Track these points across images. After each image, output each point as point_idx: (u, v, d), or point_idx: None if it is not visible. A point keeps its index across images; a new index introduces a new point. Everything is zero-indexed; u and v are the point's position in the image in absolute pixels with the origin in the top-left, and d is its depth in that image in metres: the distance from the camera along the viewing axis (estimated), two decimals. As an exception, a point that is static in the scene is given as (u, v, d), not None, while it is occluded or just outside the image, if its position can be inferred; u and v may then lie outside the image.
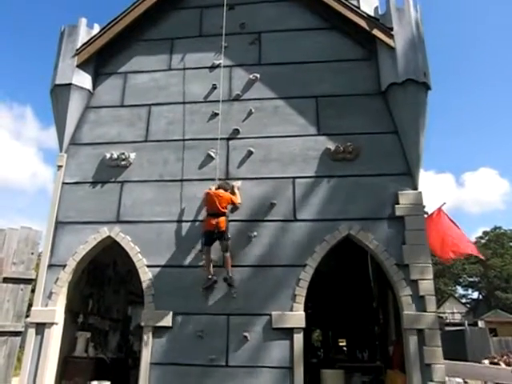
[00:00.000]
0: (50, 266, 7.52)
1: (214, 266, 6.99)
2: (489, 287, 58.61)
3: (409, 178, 7.22)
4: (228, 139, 7.84)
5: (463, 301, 61.21)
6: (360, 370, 9.57)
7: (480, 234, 65.26)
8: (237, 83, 8.18)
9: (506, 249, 59.73)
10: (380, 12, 8.11)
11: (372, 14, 8.11)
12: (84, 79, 8.45)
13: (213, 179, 7.49)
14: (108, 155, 7.98)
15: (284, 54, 8.23)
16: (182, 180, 7.72)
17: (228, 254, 6.92)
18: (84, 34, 8.69)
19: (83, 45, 8.56)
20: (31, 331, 7.19)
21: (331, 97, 7.85)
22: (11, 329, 6.90)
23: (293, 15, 8.45)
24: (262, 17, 8.54)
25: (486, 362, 17.37)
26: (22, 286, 7.14)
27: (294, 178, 7.47)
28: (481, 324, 31.94)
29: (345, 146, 7.44)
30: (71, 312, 7.95)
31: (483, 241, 62.32)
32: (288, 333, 6.69)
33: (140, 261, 7.33)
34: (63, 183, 7.99)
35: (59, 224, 7.75)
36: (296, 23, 8.40)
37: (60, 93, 8.30)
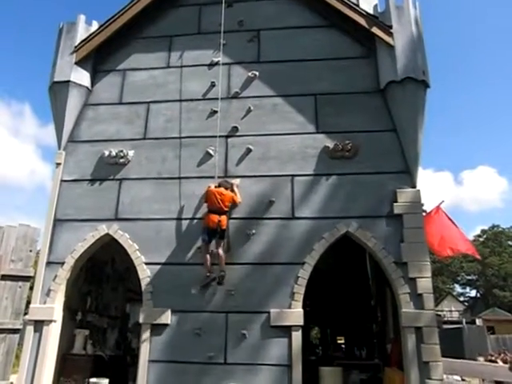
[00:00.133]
0: (49, 263, 7.51)
1: (212, 264, 6.99)
2: (487, 285, 58.77)
3: (407, 175, 7.23)
4: (227, 137, 7.83)
5: (461, 299, 61.36)
6: (358, 368, 9.59)
7: (478, 232, 65.52)
8: (235, 81, 8.17)
9: (503, 247, 59.88)
10: (379, 10, 8.09)
11: (371, 11, 8.10)
12: (82, 76, 8.43)
13: (211, 177, 7.48)
14: (106, 153, 7.97)
15: (283, 51, 8.22)
16: (180, 178, 7.72)
17: (224, 253, 6.96)
18: (82, 31, 8.66)
19: (82, 42, 8.54)
20: (29, 328, 7.18)
21: (330, 95, 7.84)
22: (9, 326, 6.92)
23: (292, 13, 8.43)
24: (260, 14, 8.52)
25: (481, 359, 17.40)
26: (20, 283, 7.16)
27: (293, 175, 7.47)
28: (478, 322, 32.01)
29: (343, 144, 7.43)
30: (69, 309, 7.95)
31: (481, 239, 62.49)
32: (286, 330, 6.70)
33: (138, 258, 7.33)
34: (61, 181, 7.98)
35: (57, 221, 7.74)
36: (295, 21, 8.39)
37: (58, 90, 8.28)
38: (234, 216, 7.30)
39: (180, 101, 8.20)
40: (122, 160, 7.90)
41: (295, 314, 6.75)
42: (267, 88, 8.03)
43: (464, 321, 30.88)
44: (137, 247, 7.39)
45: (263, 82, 8.07)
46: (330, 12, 8.15)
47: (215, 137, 7.70)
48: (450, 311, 47.27)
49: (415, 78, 7.36)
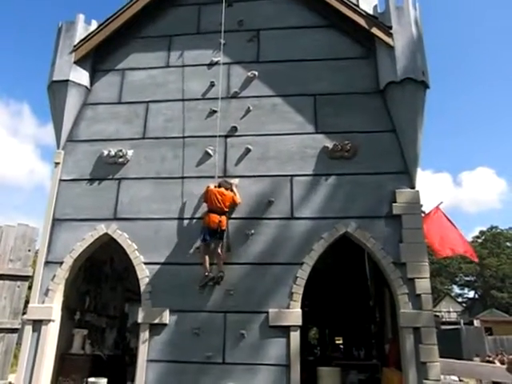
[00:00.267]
0: (47, 263, 7.50)
1: (210, 264, 7.00)
2: (485, 286, 58.86)
3: (406, 176, 7.23)
4: (226, 137, 7.83)
5: (459, 300, 61.44)
6: (356, 368, 9.61)
7: (477, 233, 65.63)
8: (235, 81, 8.17)
9: (502, 248, 60.00)
10: (379, 10, 8.09)
11: (371, 12, 8.10)
12: (81, 76, 8.42)
13: (210, 177, 7.48)
14: (105, 152, 7.96)
15: (282, 51, 8.22)
16: (179, 177, 7.71)
17: (227, 253, 6.96)
18: (82, 30, 8.65)
19: (81, 41, 8.52)
20: (28, 328, 7.17)
21: (329, 95, 7.85)
22: (8, 326, 6.92)
23: (291, 13, 8.43)
24: (260, 14, 8.52)
25: (478, 359, 17.44)
26: (18, 282, 7.16)
27: (292, 176, 7.47)
28: (476, 323, 32.03)
29: (343, 145, 7.44)
30: (68, 309, 7.94)
31: (480, 240, 62.62)
32: (285, 330, 6.70)
33: (137, 258, 7.32)
34: (60, 180, 7.97)
35: (56, 221, 7.73)
36: (294, 21, 8.39)
37: (57, 89, 8.27)
38: (233, 216, 7.30)
39: (179, 100, 8.19)
40: (120, 159, 7.89)
41: (294, 314, 6.75)
42: (266, 88, 8.03)
43: (462, 322, 30.97)
44: (136, 247, 7.38)
45: (262, 82, 8.07)
46: (330, 12, 8.15)
47: (214, 137, 7.70)
48: (448, 312, 47.30)
49: (415, 79, 7.36)
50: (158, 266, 7.25)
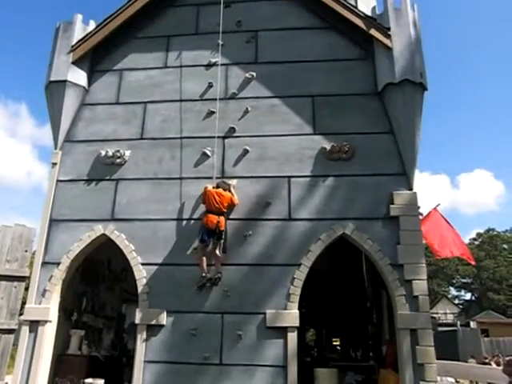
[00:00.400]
0: (44, 263, 7.48)
1: (208, 265, 6.99)
2: (481, 288, 58.98)
3: (404, 178, 7.24)
4: (224, 137, 7.83)
5: (456, 302, 61.57)
6: (353, 369, 9.59)
7: (474, 235, 65.80)
8: (233, 81, 8.17)
9: (499, 250, 60.14)
10: (377, 12, 8.11)
11: (369, 13, 8.12)
12: (79, 76, 8.40)
13: (208, 178, 7.48)
14: (103, 153, 7.94)
15: (280, 52, 8.22)
16: (177, 178, 7.70)
17: (222, 254, 6.96)
18: (79, 30, 8.63)
19: (78, 41, 8.51)
20: (25, 329, 7.15)
21: (327, 96, 7.85)
22: (5, 326, 6.89)
23: (290, 14, 8.44)
24: (258, 15, 8.51)
25: (472, 360, 17.48)
26: (15, 283, 7.13)
27: (290, 177, 7.47)
28: (473, 325, 32.14)
29: (340, 146, 7.44)
30: (65, 310, 7.93)
31: (477, 242, 62.74)
32: (282, 332, 6.69)
33: (134, 259, 7.31)
34: (58, 180, 7.95)
35: (53, 221, 7.71)
36: (293, 22, 8.40)
37: (55, 89, 8.25)
38: (230, 217, 7.28)
39: (177, 101, 8.19)
40: (118, 160, 7.88)
41: (291, 316, 6.74)
42: (264, 89, 8.04)
43: (458, 323, 31.06)
44: (133, 248, 7.36)
45: (260, 83, 8.08)
46: (328, 13, 8.16)
47: (212, 137, 7.69)
48: (445, 314, 47.40)
49: (413, 81, 7.37)
50: (155, 267, 7.24)
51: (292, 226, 7.20)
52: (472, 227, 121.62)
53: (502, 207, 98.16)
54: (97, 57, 8.68)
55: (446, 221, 8.28)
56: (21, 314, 7.37)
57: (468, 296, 64.27)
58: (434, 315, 40.05)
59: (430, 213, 8.09)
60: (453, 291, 65.17)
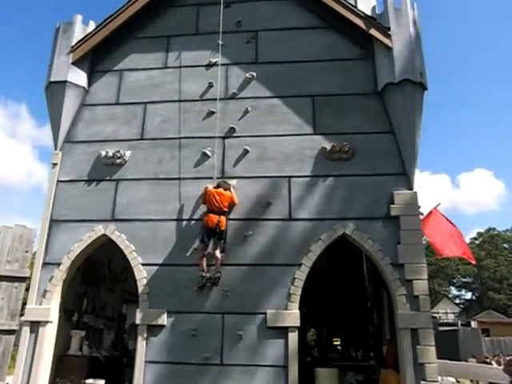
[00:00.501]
0: (45, 264, 7.49)
1: (208, 265, 7.00)
2: (482, 288, 58.98)
3: (404, 177, 7.24)
4: (224, 138, 7.83)
5: (457, 301, 61.55)
6: (354, 369, 9.59)
7: (474, 234, 65.79)
8: (233, 82, 8.17)
9: (499, 250, 60.16)
10: (377, 11, 8.11)
11: (369, 13, 8.12)
12: (79, 76, 8.40)
13: (208, 178, 7.49)
14: (103, 153, 7.94)
15: (280, 52, 8.22)
16: (177, 178, 7.70)
17: (221, 254, 6.97)
18: (79, 31, 8.64)
19: (78, 42, 8.51)
20: (25, 329, 7.16)
21: (327, 96, 7.85)
22: (5, 327, 6.89)
23: (290, 14, 8.44)
24: (258, 15, 8.51)
25: (473, 360, 17.46)
26: (16, 284, 7.13)
27: (290, 177, 7.47)
28: (473, 324, 32.10)
29: (341, 146, 7.44)
30: (66, 310, 7.93)
31: (477, 242, 62.73)
32: (283, 332, 6.69)
33: (135, 259, 7.31)
34: (58, 181, 7.96)
35: (54, 222, 7.71)
36: (293, 22, 8.39)
37: (55, 90, 8.25)
38: (230, 217, 7.28)
39: (177, 101, 8.19)
40: (118, 160, 7.88)
41: (292, 315, 6.74)
42: (265, 89, 8.04)
43: (459, 323, 31.03)
44: (133, 248, 7.37)
45: (261, 83, 8.07)
46: (328, 13, 8.16)
47: (212, 137, 7.70)
48: (446, 313, 47.35)
49: (413, 80, 7.37)
50: (155, 268, 7.24)
51: (292, 226, 7.20)
52: (472, 226, 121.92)
53: (502, 206, 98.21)
54: (97, 57, 8.68)
55: (448, 220, 8.27)
56: (21, 315, 7.36)
57: (469, 295, 64.36)
58: (435, 315, 39.99)
59: (430, 212, 8.07)
60: (453, 291, 65.28)
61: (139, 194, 7.68)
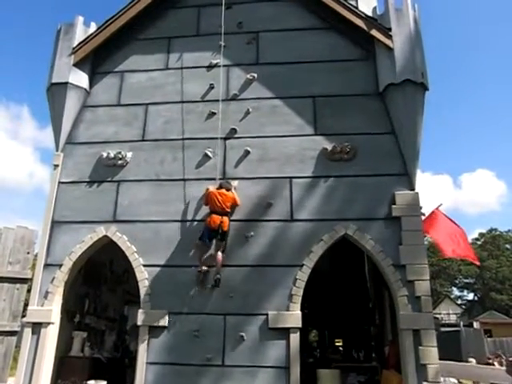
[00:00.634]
0: (46, 265, 7.49)
1: (208, 266, 7.00)
2: (484, 289, 58.88)
3: (406, 178, 7.23)
4: (225, 139, 7.83)
5: (459, 302, 61.49)
6: (356, 370, 9.59)
7: (476, 235, 65.70)
8: (234, 83, 8.17)
9: (501, 250, 60.07)
10: (378, 12, 8.10)
11: (370, 14, 8.11)
12: (80, 78, 8.41)
13: (210, 179, 7.49)
14: (105, 154, 7.95)
15: (281, 53, 8.22)
16: (178, 179, 7.70)
17: (222, 255, 6.97)
18: (81, 32, 8.64)
19: (80, 43, 8.52)
20: (27, 331, 7.16)
21: (329, 97, 7.85)
22: (7, 328, 6.90)
23: (291, 15, 8.44)
24: (259, 16, 8.52)
25: (472, 360, 17.41)
26: (18, 285, 7.14)
27: (291, 177, 7.47)
28: (476, 325, 32.07)
29: (342, 146, 7.44)
30: (67, 312, 7.93)
31: (479, 242, 62.63)
32: (284, 332, 6.68)
33: (136, 260, 7.31)
34: (59, 182, 7.96)
35: (55, 223, 7.72)
36: (294, 23, 8.39)
37: (56, 91, 8.26)
38: (232, 218, 7.27)
39: (178, 102, 8.19)
40: (120, 162, 7.89)
41: (293, 316, 6.74)
42: (266, 90, 8.04)
43: (461, 324, 30.89)
44: (135, 249, 7.37)
45: (262, 84, 8.08)
46: (329, 14, 8.16)
47: (214, 139, 7.70)
48: (448, 314, 47.31)
49: (414, 81, 7.37)
50: (157, 269, 7.24)
51: (293, 226, 7.20)
52: (474, 227, 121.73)
53: (504, 207, 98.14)
54: (98, 59, 8.69)
55: (452, 221, 8.26)
56: (23, 316, 7.37)
57: (471, 296, 64.27)
58: (437, 315, 39.92)
59: (432, 213, 8.06)
60: (455, 291, 65.21)
61: (140, 195, 7.68)
